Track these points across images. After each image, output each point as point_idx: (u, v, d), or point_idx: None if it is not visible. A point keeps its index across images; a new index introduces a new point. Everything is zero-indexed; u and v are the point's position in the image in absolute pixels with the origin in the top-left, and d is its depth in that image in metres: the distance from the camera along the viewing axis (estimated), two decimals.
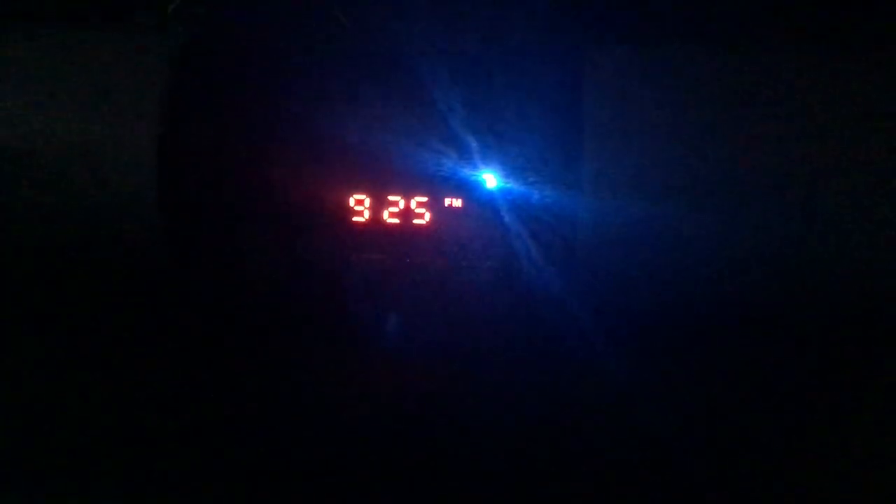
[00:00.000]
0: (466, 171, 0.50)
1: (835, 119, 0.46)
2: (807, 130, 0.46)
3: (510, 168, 0.50)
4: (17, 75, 0.50)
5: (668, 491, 0.44)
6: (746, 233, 0.47)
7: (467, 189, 0.50)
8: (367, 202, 0.51)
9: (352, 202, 0.51)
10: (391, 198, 0.51)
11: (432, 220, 0.51)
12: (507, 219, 0.50)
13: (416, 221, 0.51)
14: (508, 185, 0.50)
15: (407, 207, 0.51)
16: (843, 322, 0.50)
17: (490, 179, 0.50)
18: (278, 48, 0.53)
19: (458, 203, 0.51)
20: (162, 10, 0.52)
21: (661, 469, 0.44)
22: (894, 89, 0.46)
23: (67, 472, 0.46)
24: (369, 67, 0.52)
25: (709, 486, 0.44)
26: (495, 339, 0.53)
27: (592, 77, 0.48)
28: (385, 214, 0.51)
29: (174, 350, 0.54)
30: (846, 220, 0.46)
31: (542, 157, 0.49)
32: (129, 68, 0.50)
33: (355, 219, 0.51)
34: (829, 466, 0.45)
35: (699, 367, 0.51)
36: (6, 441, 0.47)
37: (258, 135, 0.51)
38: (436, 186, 0.50)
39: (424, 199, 0.51)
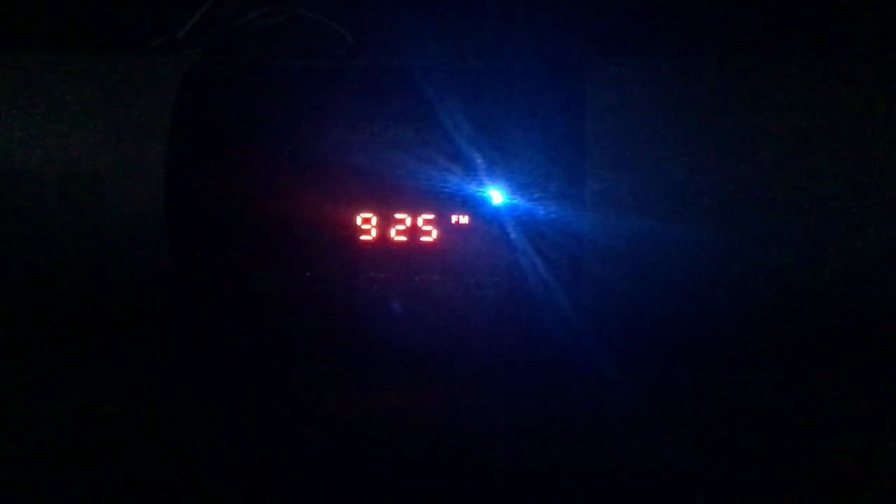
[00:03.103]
0: (472, 188, 0.50)
1: (838, 130, 0.46)
2: (809, 142, 0.46)
3: (515, 184, 0.50)
4: (29, 99, 0.51)
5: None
6: (751, 245, 0.47)
7: (474, 205, 0.50)
8: (374, 220, 0.51)
9: (359, 221, 0.51)
10: (398, 216, 0.51)
11: (439, 238, 0.51)
12: (513, 235, 0.50)
13: (423, 239, 0.51)
14: (514, 201, 0.50)
15: (414, 225, 0.51)
16: (847, 332, 0.50)
17: (496, 195, 0.50)
18: (285, 69, 0.54)
19: (464, 220, 0.50)
20: (172, 34, 0.53)
21: (668, 483, 0.44)
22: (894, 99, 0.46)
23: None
24: (375, 86, 0.52)
25: (715, 498, 0.44)
26: (502, 354, 0.53)
27: (595, 92, 0.48)
28: (392, 232, 0.51)
29: (182, 370, 0.54)
30: (850, 232, 0.46)
31: (546, 172, 0.49)
32: (139, 91, 0.50)
33: (362, 237, 0.51)
34: (838, 481, 0.45)
35: (706, 380, 0.51)
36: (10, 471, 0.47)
37: (265, 155, 0.51)
38: (442, 203, 0.50)
39: (431, 216, 0.51)
